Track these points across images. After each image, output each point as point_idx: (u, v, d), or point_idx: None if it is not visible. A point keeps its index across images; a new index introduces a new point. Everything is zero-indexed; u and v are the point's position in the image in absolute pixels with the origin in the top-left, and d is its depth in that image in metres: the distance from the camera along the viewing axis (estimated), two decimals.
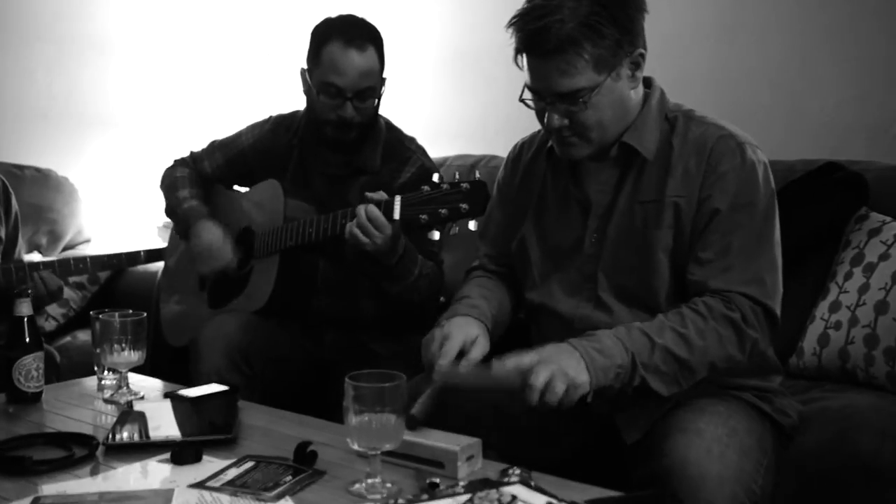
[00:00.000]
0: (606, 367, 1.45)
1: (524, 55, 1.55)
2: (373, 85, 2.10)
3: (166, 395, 1.76)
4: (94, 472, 1.43)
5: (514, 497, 1.21)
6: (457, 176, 1.70)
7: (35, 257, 2.64)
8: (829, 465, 1.66)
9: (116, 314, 1.79)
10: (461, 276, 1.90)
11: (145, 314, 1.81)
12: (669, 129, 1.62)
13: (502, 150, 1.97)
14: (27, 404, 1.75)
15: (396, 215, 1.73)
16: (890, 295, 1.97)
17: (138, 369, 1.86)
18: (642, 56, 1.57)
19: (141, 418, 1.60)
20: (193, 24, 3.68)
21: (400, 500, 1.24)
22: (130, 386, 1.84)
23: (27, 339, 1.76)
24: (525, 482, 1.26)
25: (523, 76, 1.59)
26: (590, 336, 1.50)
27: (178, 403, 1.68)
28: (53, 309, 2.89)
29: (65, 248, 3.15)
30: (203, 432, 1.56)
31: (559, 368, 1.42)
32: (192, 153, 2.46)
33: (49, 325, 2.90)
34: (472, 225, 1.68)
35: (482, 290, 1.76)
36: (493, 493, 1.22)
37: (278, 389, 2.05)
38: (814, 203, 2.21)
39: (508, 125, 2.04)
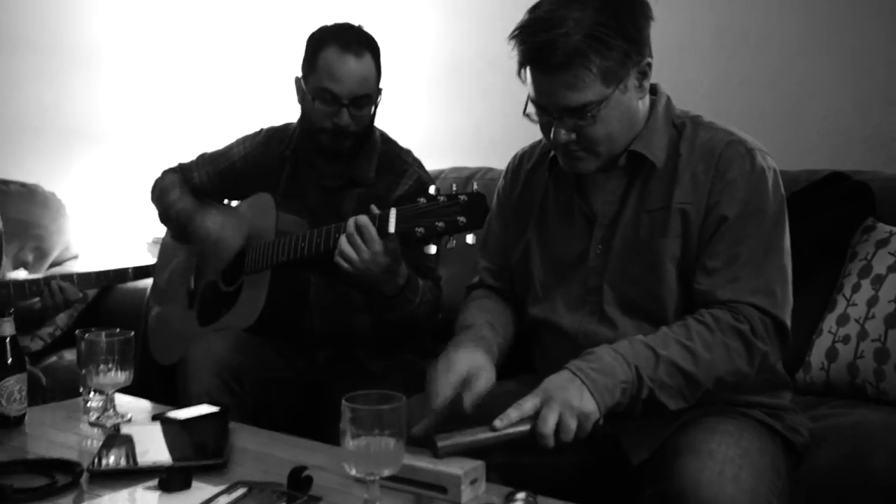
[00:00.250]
0: (610, 386, 1.40)
1: (528, 69, 1.50)
2: (369, 93, 2.06)
3: (154, 418, 1.71)
4: (77, 502, 1.36)
5: None
6: (454, 188, 1.64)
7: (20, 274, 2.58)
8: (843, 485, 1.61)
9: (103, 333, 1.73)
10: (458, 290, 1.84)
11: (133, 333, 1.75)
12: (677, 135, 1.58)
13: (498, 162, 1.93)
14: (9, 428, 1.70)
15: (392, 228, 1.66)
16: None
17: (126, 389, 1.80)
18: (649, 65, 1.52)
19: (128, 442, 1.54)
20: (183, 37, 3.63)
21: None
22: (117, 408, 1.78)
23: (9, 361, 1.71)
24: None
25: (520, 87, 1.53)
26: (589, 355, 1.44)
27: (167, 426, 1.63)
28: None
29: (52, 265, 3.08)
30: (193, 457, 1.51)
31: (564, 403, 1.37)
32: (180, 164, 2.41)
33: (35, 345, 2.83)
34: (469, 238, 1.61)
35: (486, 315, 1.68)
36: None
37: (270, 410, 2.00)
38: (819, 214, 2.16)
39: (505, 137, 2.00)
